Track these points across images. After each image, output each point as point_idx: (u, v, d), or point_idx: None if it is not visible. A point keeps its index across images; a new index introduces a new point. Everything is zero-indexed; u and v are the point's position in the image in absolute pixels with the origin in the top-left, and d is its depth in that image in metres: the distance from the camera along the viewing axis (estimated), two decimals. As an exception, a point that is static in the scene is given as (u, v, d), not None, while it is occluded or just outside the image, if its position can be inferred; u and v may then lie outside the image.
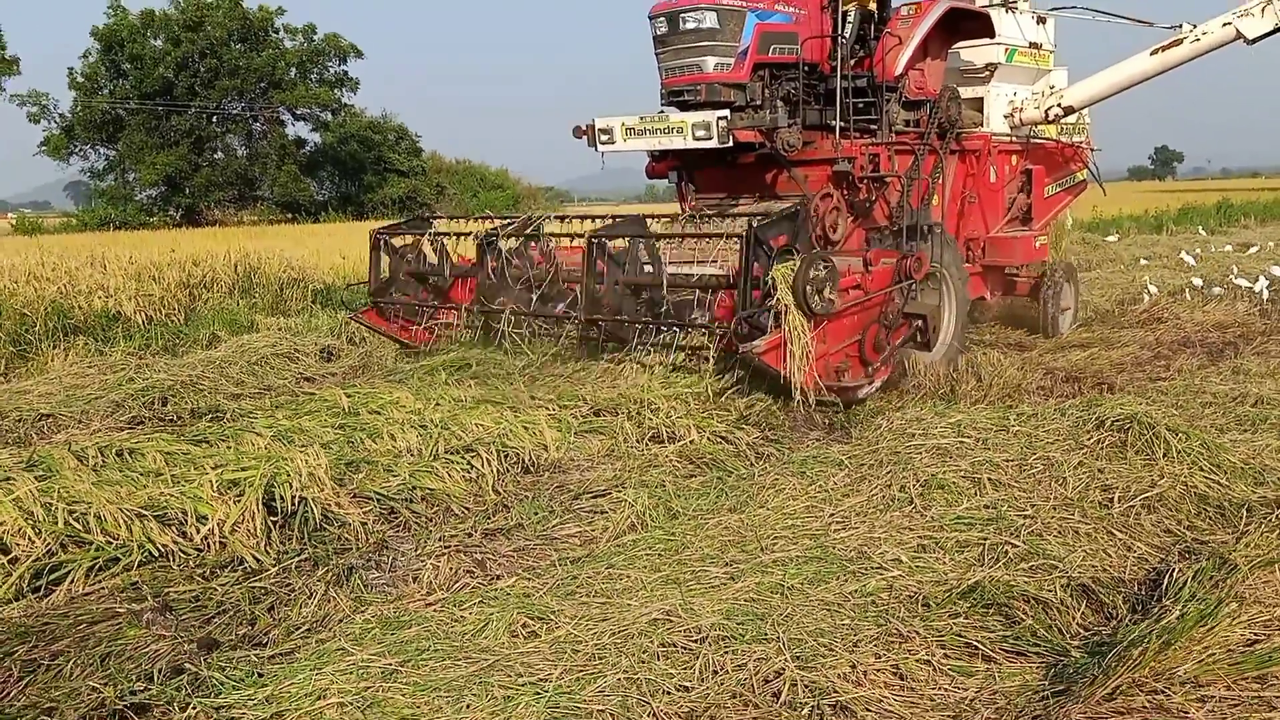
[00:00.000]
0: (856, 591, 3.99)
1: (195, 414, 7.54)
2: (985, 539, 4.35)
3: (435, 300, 9.19)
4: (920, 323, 7.77)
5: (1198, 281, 12.65)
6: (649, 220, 8.55)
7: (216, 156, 47.41)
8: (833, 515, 4.74)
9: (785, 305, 6.56)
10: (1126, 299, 12.27)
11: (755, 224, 6.95)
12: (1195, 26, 9.81)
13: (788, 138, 8.12)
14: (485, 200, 50.27)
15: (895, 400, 7.50)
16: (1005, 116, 10.11)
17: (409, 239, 9.38)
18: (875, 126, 8.49)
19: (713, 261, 8.06)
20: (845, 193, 8.40)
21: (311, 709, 3.21)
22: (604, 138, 8.56)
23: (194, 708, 3.25)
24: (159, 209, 45.73)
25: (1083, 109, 10.54)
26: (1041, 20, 10.48)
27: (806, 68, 8.31)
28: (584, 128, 8.75)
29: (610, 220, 8.67)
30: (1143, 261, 16.13)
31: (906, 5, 8.85)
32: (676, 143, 8.07)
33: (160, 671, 3.56)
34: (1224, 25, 9.67)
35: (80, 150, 46.55)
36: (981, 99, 9.94)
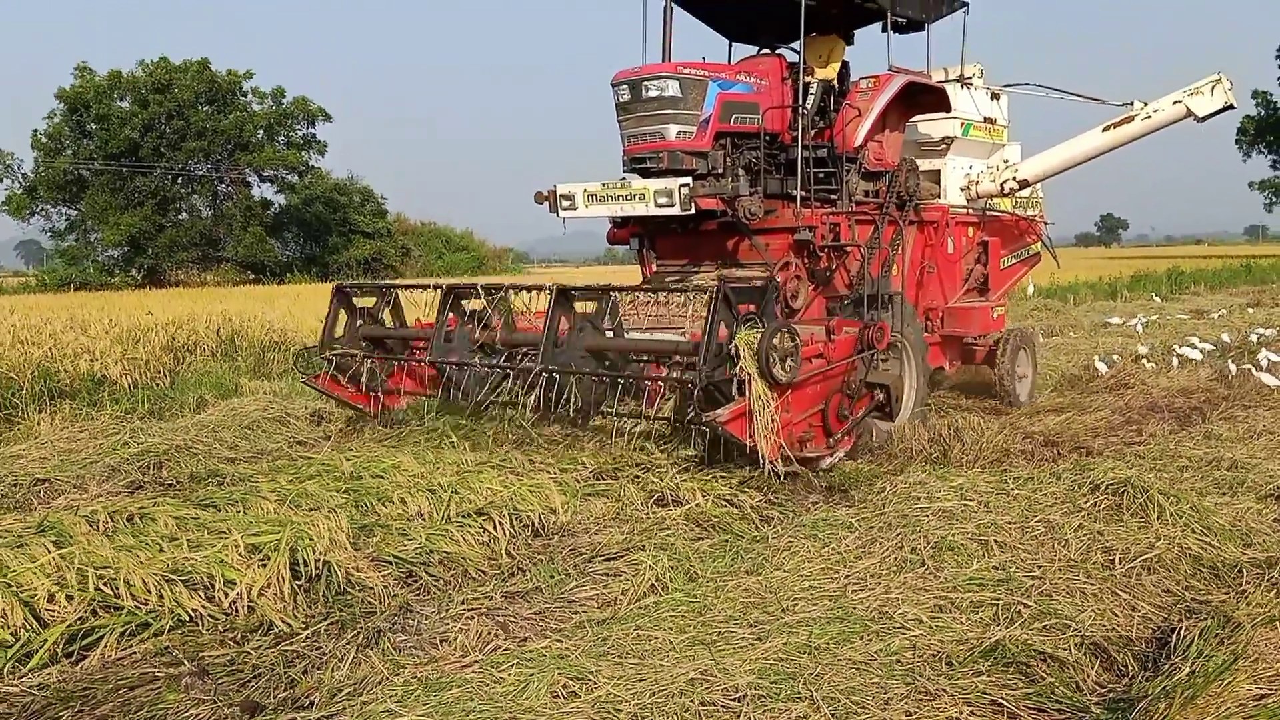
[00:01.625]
0: (881, 651, 4.14)
1: (194, 479, 7.56)
2: (998, 599, 4.53)
3: (389, 366, 8.91)
4: (883, 392, 7.78)
5: (1143, 349, 13.08)
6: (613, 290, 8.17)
7: (181, 217, 47.33)
8: (848, 577, 4.90)
9: (749, 374, 6.51)
10: (1092, 364, 12.66)
11: (726, 285, 6.86)
12: (1146, 104, 10.19)
13: (749, 206, 8.22)
14: (450, 262, 50.59)
15: (886, 463, 7.71)
16: (961, 189, 10.37)
17: (371, 300, 9.15)
18: (835, 196, 8.67)
19: (676, 329, 8.09)
20: (806, 261, 8.53)
21: (370, 770, 3.28)
22: (565, 203, 8.59)
23: (253, 770, 3.31)
24: (120, 269, 45.43)
25: (1037, 183, 10.86)
26: (996, 96, 10.82)
27: (768, 137, 8.48)
28: (545, 193, 8.75)
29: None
30: (1114, 320, 16.65)
31: (865, 78, 9.13)
32: (638, 209, 8.11)
33: (212, 735, 3.62)
34: (1175, 103, 10.04)
35: (42, 209, 46.26)
36: (938, 171, 10.20)
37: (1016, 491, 5.68)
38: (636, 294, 8.80)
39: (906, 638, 4.24)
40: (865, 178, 9.07)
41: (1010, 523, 5.31)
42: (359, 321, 9.05)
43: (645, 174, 8.27)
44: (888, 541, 5.20)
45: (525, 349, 7.98)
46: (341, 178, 53.24)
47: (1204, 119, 10.15)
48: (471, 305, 8.49)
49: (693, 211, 7.91)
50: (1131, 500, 5.43)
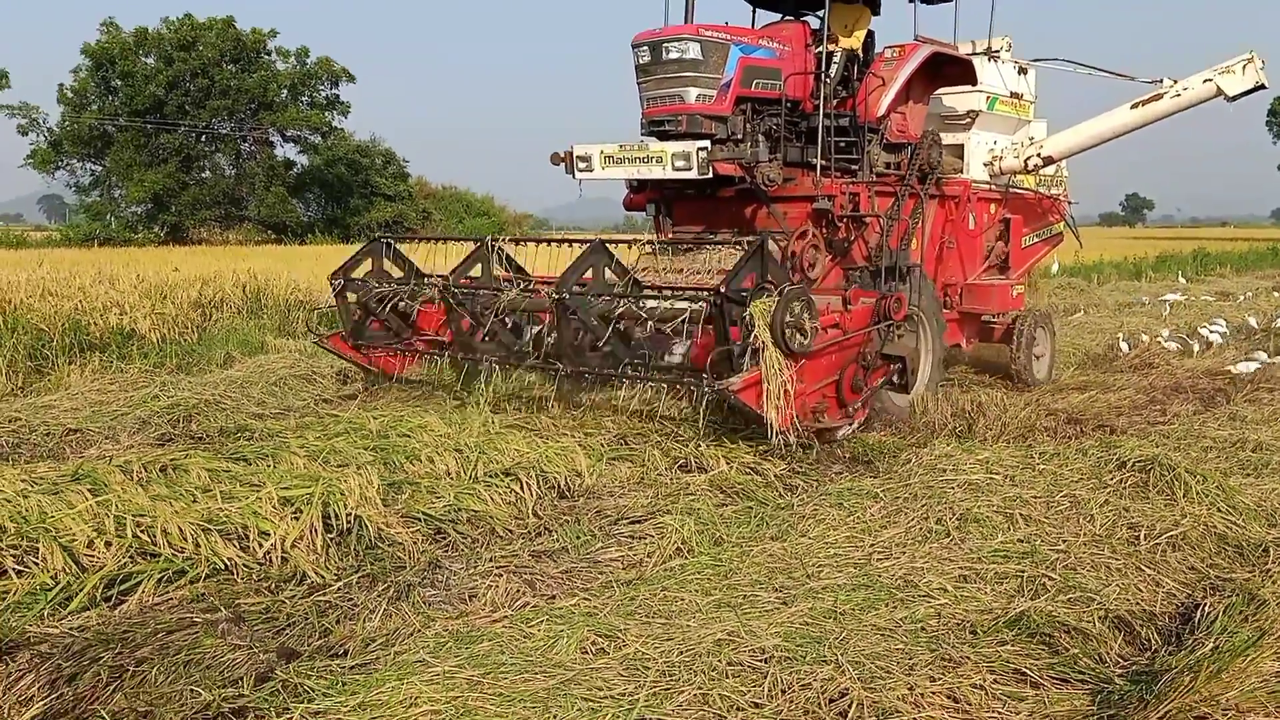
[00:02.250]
0: (906, 618, 4.19)
1: (223, 433, 7.65)
2: (1023, 571, 4.57)
3: (403, 327, 8.89)
4: (899, 365, 7.68)
5: (1165, 331, 12.89)
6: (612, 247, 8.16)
7: (204, 175, 47.44)
8: (873, 545, 4.94)
9: (763, 342, 6.39)
10: (1115, 343, 12.60)
11: (723, 290, 6.63)
12: (1176, 82, 9.94)
13: (768, 173, 8.11)
14: (470, 226, 50.56)
15: (909, 436, 7.74)
16: (985, 164, 10.19)
17: (367, 264, 9.06)
18: (856, 166, 8.57)
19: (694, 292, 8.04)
20: (824, 231, 8.40)
21: (405, 715, 3.36)
22: (582, 165, 8.47)
23: (291, 713, 3.39)
24: (143, 226, 45.65)
25: (1062, 160, 10.65)
26: (1023, 70, 10.63)
27: (789, 104, 8.35)
28: (562, 154, 8.65)
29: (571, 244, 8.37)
30: (1142, 300, 16.50)
31: (890, 48, 8.98)
32: (655, 172, 8.02)
33: (250, 678, 3.70)
34: (1205, 82, 9.78)
35: (67, 164, 46.45)
36: (962, 146, 10.04)
37: (1042, 467, 5.71)
38: (653, 255, 8.64)
39: (931, 606, 4.29)
40: (887, 149, 8.93)
41: (1036, 497, 5.34)
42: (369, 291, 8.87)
43: (663, 137, 8.15)
44: (913, 512, 5.24)
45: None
46: (364, 140, 53.16)
47: (1234, 98, 9.93)
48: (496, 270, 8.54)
49: (710, 176, 7.79)
50: (1158, 478, 5.45)
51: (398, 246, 9.22)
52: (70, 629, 4.15)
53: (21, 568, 4.54)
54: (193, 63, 45.28)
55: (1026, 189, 10.74)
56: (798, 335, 6.49)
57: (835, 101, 8.68)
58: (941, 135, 9.54)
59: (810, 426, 6.89)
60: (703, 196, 8.84)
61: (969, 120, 10.10)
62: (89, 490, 5.19)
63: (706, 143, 7.78)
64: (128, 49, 45.00)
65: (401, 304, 8.73)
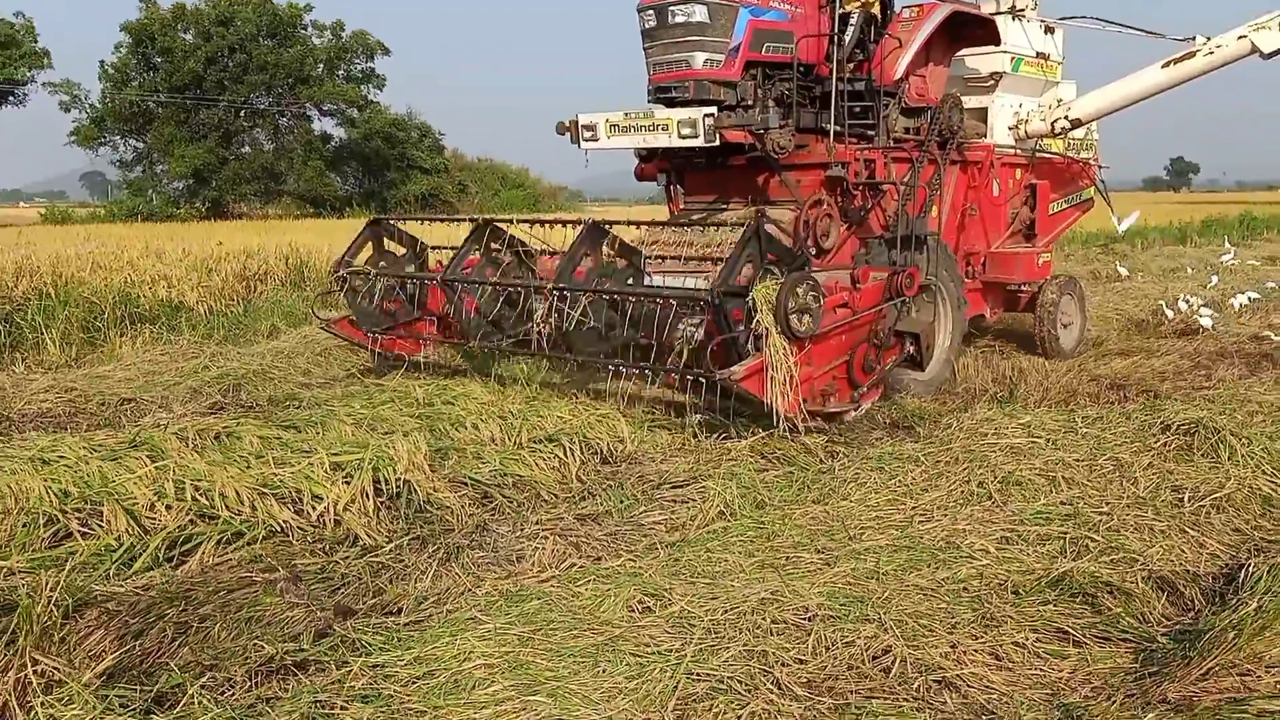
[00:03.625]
0: (948, 579, 4.24)
1: (272, 401, 7.82)
2: (1065, 533, 4.59)
3: (410, 309, 8.60)
4: (913, 342, 7.36)
5: (1199, 300, 12.44)
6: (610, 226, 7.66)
7: (244, 150, 47.96)
8: (915, 508, 4.98)
9: (765, 329, 6.12)
10: (1159, 309, 12.43)
11: (719, 290, 6.31)
12: (1209, 39, 9.59)
13: (779, 139, 7.85)
14: (506, 199, 50.73)
15: (950, 401, 7.74)
16: (1010, 128, 9.85)
17: (368, 249, 8.80)
18: (872, 132, 8.32)
19: (704, 275, 7.57)
20: (839, 199, 8.17)
21: (460, 669, 3.47)
22: (587, 134, 8.22)
23: (350, 665, 3.52)
24: (185, 201, 46.29)
25: (1090, 122, 10.34)
26: (1050, 30, 10.26)
27: (802, 68, 8.05)
28: (568, 124, 8.42)
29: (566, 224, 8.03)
30: (1191, 268, 16.28)
31: (909, 7, 8.68)
32: (661, 140, 7.74)
33: (309, 634, 3.84)
34: (1239, 38, 9.41)
35: (109, 141, 47.16)
36: (985, 109, 9.71)
37: (1085, 430, 5.71)
38: (663, 231, 8.43)
39: (973, 567, 4.33)
40: (905, 113, 8.62)
41: (1078, 460, 5.34)
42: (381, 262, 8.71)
43: (670, 104, 7.90)
44: (954, 475, 5.27)
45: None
46: (400, 113, 53.42)
47: (1270, 55, 9.56)
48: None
49: (718, 143, 7.55)
50: (1203, 441, 5.43)
51: (398, 225, 8.98)
52: (135, 588, 4.30)
53: (87, 530, 4.72)
54: (230, 38, 45.75)
55: (1054, 153, 10.36)
56: (806, 318, 6.22)
57: (850, 65, 8.36)
58: (964, 98, 9.22)
59: (817, 411, 6.59)
60: (714, 166, 8.59)
61: (993, 82, 9.74)
62: (147, 456, 5.35)
63: (713, 109, 7.50)
64: (167, 25, 45.47)
65: (408, 287, 8.48)
